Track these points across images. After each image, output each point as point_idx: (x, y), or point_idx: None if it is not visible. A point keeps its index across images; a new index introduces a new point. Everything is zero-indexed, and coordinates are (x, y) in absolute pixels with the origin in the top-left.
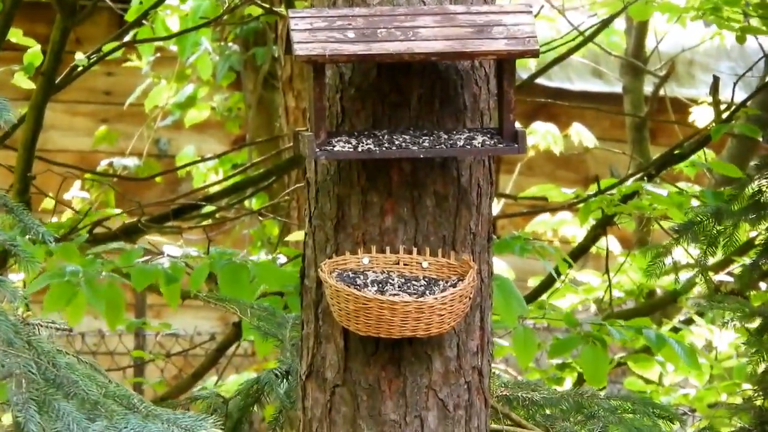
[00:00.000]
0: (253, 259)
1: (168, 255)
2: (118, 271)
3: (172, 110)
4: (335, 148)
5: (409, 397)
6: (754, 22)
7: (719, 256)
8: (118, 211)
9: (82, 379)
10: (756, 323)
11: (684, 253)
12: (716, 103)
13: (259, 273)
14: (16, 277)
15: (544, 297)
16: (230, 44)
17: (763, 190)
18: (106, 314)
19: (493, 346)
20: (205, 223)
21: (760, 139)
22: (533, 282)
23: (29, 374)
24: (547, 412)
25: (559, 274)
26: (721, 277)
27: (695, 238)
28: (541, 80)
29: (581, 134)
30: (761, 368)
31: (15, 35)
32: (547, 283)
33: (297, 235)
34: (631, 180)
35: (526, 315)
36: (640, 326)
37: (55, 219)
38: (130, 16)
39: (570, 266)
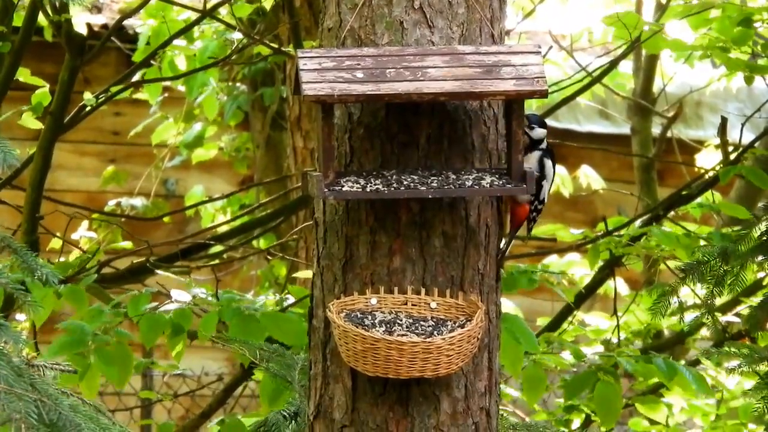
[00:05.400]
0: (261, 300)
1: (176, 300)
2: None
3: (180, 149)
4: (344, 188)
5: None
6: (762, 63)
7: (726, 296)
8: (126, 243)
9: (85, 421)
10: (764, 366)
11: (691, 293)
12: (724, 144)
13: (268, 324)
14: (22, 317)
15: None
16: (238, 84)
17: None
18: (117, 377)
19: (500, 387)
20: (213, 263)
21: None
22: (541, 322)
23: (29, 419)
24: None
25: (562, 318)
26: (729, 318)
27: (702, 278)
28: (549, 121)
29: (589, 176)
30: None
31: (23, 75)
32: (555, 322)
33: (305, 273)
34: (638, 221)
35: (535, 351)
36: (649, 357)
37: (62, 259)
38: (137, 57)
39: (573, 309)
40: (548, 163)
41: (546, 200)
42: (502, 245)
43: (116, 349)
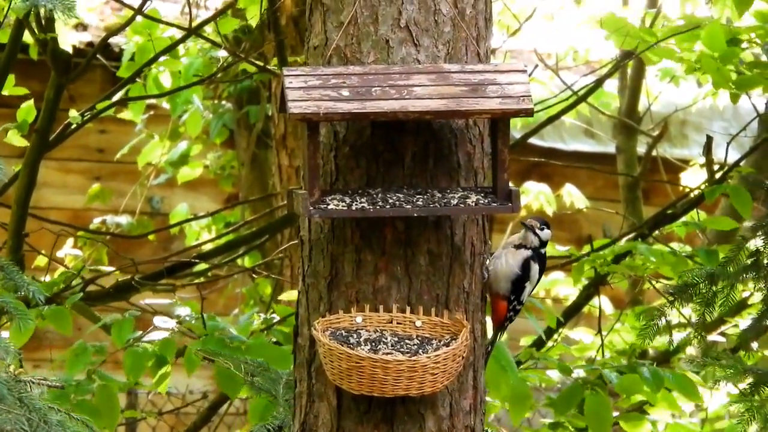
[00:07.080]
0: (244, 318)
1: (159, 328)
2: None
3: (165, 168)
4: (329, 207)
5: None
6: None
7: (715, 316)
8: (110, 269)
9: None
10: (748, 382)
11: (677, 313)
12: (709, 163)
13: (252, 355)
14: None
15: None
16: (224, 102)
17: (761, 250)
18: (105, 424)
19: (485, 405)
20: (198, 281)
21: (761, 184)
22: (525, 341)
23: (20, 431)
24: None
25: (549, 335)
26: (714, 337)
27: (691, 301)
28: (534, 140)
29: (573, 195)
30: (752, 428)
31: (7, 86)
32: (539, 344)
33: (290, 294)
34: (624, 240)
35: (516, 381)
36: (634, 366)
37: (47, 278)
38: (122, 72)
39: (561, 325)
40: (535, 266)
41: (524, 301)
42: (488, 344)
43: (99, 397)
